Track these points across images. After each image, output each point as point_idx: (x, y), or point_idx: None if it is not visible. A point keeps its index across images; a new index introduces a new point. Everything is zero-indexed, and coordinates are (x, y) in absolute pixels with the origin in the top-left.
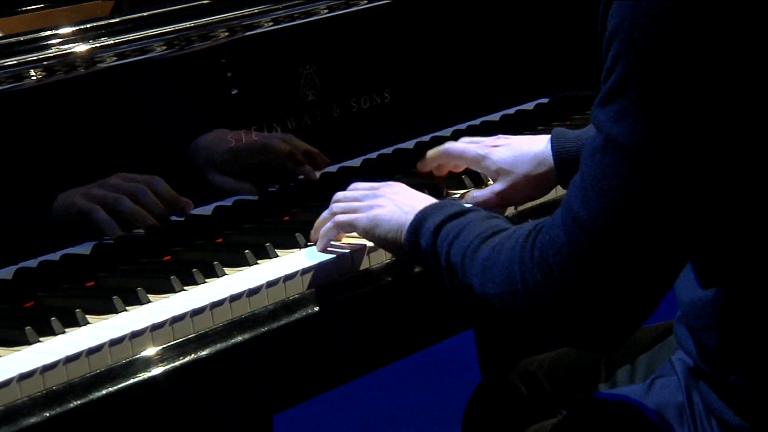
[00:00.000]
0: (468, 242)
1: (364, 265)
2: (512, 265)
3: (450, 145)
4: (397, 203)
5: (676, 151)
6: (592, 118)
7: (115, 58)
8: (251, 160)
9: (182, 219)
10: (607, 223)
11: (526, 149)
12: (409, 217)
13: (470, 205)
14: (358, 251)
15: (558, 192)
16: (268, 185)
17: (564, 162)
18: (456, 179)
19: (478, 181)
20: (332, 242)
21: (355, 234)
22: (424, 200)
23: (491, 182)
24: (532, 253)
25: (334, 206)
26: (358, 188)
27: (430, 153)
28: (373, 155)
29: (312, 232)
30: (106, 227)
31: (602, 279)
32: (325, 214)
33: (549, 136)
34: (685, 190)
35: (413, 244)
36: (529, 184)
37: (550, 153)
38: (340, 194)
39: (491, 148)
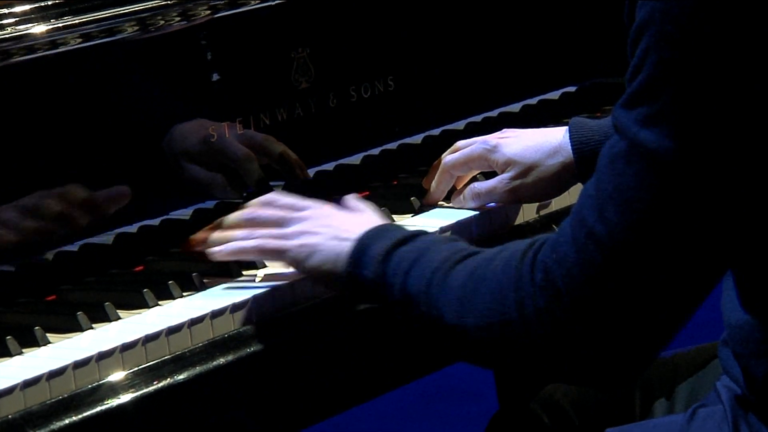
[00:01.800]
0: (432, 269)
1: None
2: (503, 291)
3: (448, 159)
4: (331, 228)
5: (712, 160)
6: (614, 121)
7: (79, 40)
8: (226, 161)
9: (156, 224)
10: (628, 240)
11: (540, 140)
12: (346, 245)
13: (417, 230)
14: None
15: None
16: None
17: (585, 155)
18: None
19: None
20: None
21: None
22: (363, 223)
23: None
24: (531, 275)
25: (255, 232)
26: (279, 203)
27: (434, 182)
28: (375, 151)
29: (211, 241)
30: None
31: (619, 304)
32: (240, 233)
33: (565, 127)
34: (720, 204)
35: (354, 276)
36: (542, 177)
37: (568, 144)
38: (255, 212)
39: (499, 140)
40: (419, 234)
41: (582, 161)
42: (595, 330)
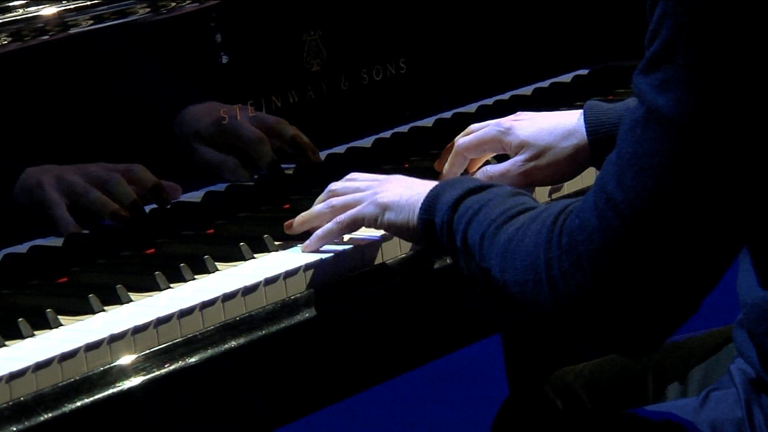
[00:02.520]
0: (489, 221)
1: (377, 260)
2: (537, 251)
3: (461, 142)
4: (405, 185)
5: (729, 125)
6: (634, 87)
7: (90, 22)
8: (238, 144)
9: (168, 207)
10: (646, 206)
11: (554, 123)
12: (422, 196)
13: (492, 182)
14: (370, 245)
15: (593, 175)
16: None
17: (599, 138)
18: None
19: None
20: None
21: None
22: (433, 183)
23: None
24: (560, 238)
25: (333, 200)
26: (358, 179)
27: (447, 164)
28: (387, 134)
29: (297, 222)
30: (62, 226)
31: (639, 271)
32: (320, 207)
33: (580, 111)
34: (738, 170)
35: (427, 222)
36: (556, 160)
37: (582, 127)
38: (336, 185)
39: (513, 122)
40: (489, 186)
41: (596, 144)
42: (615, 296)
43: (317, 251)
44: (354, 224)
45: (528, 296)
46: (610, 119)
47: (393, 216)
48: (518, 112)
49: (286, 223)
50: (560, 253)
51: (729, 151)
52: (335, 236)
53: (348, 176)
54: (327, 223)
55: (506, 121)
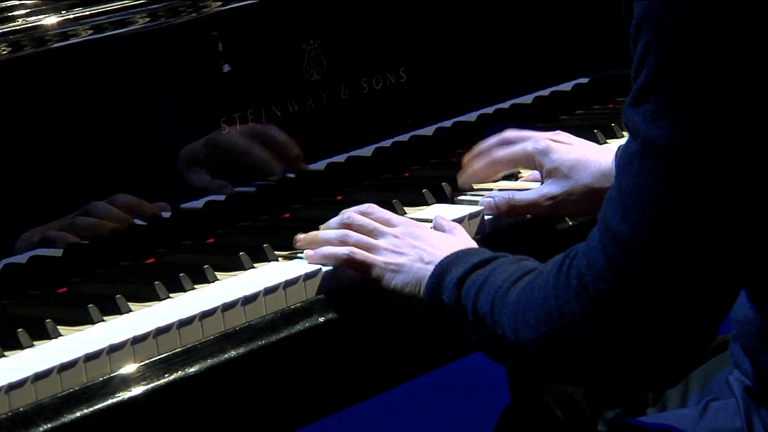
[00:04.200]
0: (495, 288)
1: None
2: (547, 301)
3: (498, 154)
4: (418, 250)
5: (722, 151)
6: (624, 120)
7: (90, 32)
8: (230, 157)
9: (167, 216)
10: (651, 239)
11: (591, 158)
12: (429, 270)
13: (496, 253)
14: None
15: None
16: (264, 176)
17: None
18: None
19: (509, 175)
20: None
21: None
22: (448, 246)
23: (523, 174)
24: (567, 281)
25: (349, 235)
26: (375, 215)
27: (477, 167)
28: (387, 143)
29: (306, 241)
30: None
31: (651, 304)
32: (333, 235)
33: (615, 150)
34: (736, 194)
35: (434, 300)
36: (586, 197)
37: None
38: (352, 216)
39: (551, 143)
40: (493, 258)
41: None
42: (630, 331)
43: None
44: (361, 267)
45: (545, 350)
46: None
47: (400, 285)
48: (559, 132)
49: (296, 236)
50: (570, 298)
51: (727, 175)
52: (340, 264)
53: (365, 207)
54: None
55: (544, 140)
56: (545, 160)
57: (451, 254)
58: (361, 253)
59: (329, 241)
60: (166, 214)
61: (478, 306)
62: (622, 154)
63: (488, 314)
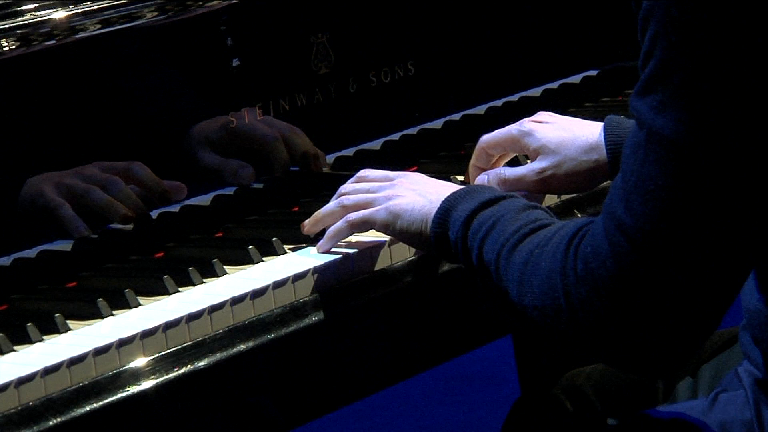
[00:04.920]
0: (504, 239)
1: (385, 263)
2: (553, 276)
3: (484, 137)
4: (418, 192)
5: (727, 143)
6: (631, 110)
7: (98, 26)
8: (246, 146)
9: (176, 210)
10: (655, 229)
11: (577, 132)
12: (435, 206)
13: (505, 192)
14: (378, 247)
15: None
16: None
17: (618, 154)
18: None
19: (514, 163)
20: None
21: (369, 232)
22: (450, 187)
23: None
24: (575, 263)
25: (344, 199)
26: (369, 177)
27: (472, 160)
28: (395, 137)
29: (310, 223)
30: (71, 227)
31: (654, 293)
32: (331, 206)
33: (602, 124)
34: (741, 186)
35: (440, 236)
36: (574, 172)
37: (603, 143)
38: (347, 186)
39: (535, 124)
40: (502, 197)
41: (615, 160)
42: (633, 319)
43: (328, 252)
44: (364, 225)
45: (549, 321)
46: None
47: (405, 225)
48: (541, 113)
49: (301, 224)
50: (576, 281)
51: (732, 167)
52: (345, 235)
53: (359, 174)
54: (338, 221)
55: (528, 123)
56: (530, 140)
57: (459, 190)
58: (357, 214)
59: (330, 213)
60: (175, 208)
61: (484, 252)
62: (627, 143)
63: (493, 264)
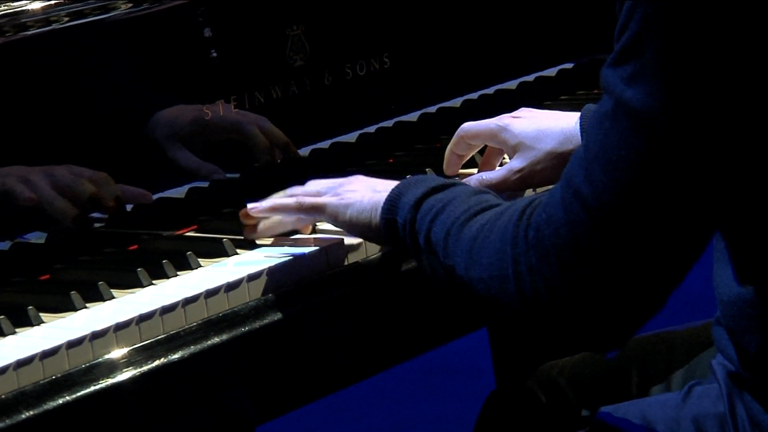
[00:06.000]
0: (453, 219)
1: (360, 255)
2: (504, 246)
3: (462, 128)
4: (369, 186)
5: (697, 118)
6: (602, 80)
7: (73, 18)
8: (222, 138)
9: (151, 202)
10: (613, 200)
11: (553, 124)
12: (384, 196)
13: (454, 180)
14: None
15: None
16: (248, 163)
17: None
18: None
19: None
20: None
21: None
22: (399, 182)
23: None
24: (526, 233)
25: (296, 189)
26: (320, 183)
27: (448, 148)
28: (371, 129)
29: (257, 211)
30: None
31: (606, 265)
32: (280, 194)
33: (578, 113)
34: (706, 164)
35: (389, 222)
36: (552, 163)
37: (579, 131)
38: (297, 188)
39: (512, 119)
40: (452, 184)
41: None
42: (582, 290)
43: (300, 246)
44: (314, 210)
45: (493, 292)
46: None
47: (355, 215)
48: (521, 109)
49: (241, 212)
50: (527, 248)
51: (697, 144)
52: (290, 212)
53: (309, 183)
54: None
55: (506, 118)
56: (508, 135)
57: (409, 178)
58: (311, 198)
59: (279, 203)
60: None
61: (432, 233)
62: (593, 114)
63: (441, 243)
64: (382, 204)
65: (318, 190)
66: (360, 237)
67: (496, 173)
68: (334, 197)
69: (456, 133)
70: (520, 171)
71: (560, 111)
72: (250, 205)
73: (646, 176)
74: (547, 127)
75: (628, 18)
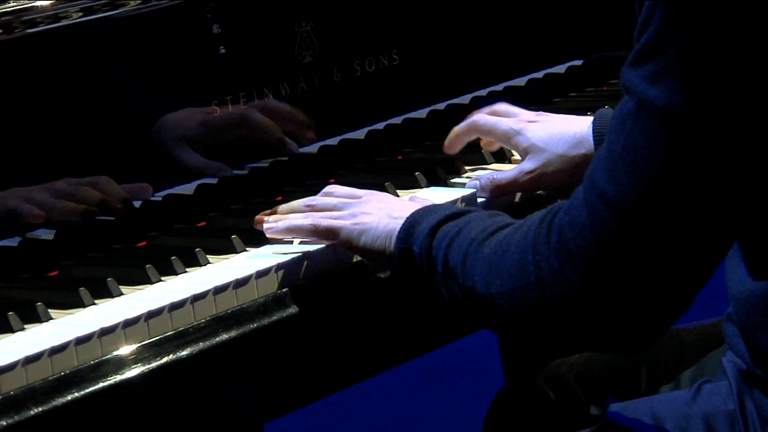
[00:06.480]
0: (469, 240)
1: None
2: (524, 255)
3: (478, 117)
4: (384, 210)
5: (721, 116)
6: (623, 80)
7: (81, 14)
8: (229, 135)
9: (159, 199)
10: (638, 200)
11: (565, 129)
12: (399, 223)
13: (468, 208)
14: None
15: None
16: (257, 159)
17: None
18: (475, 153)
19: (501, 156)
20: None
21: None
22: (416, 205)
23: (516, 158)
24: (548, 237)
25: (313, 201)
26: (336, 193)
27: (457, 129)
28: (380, 126)
29: (273, 220)
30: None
31: (631, 267)
32: (297, 204)
33: (592, 117)
34: (731, 162)
35: (404, 251)
36: (562, 167)
37: (591, 135)
38: (315, 198)
39: (526, 123)
40: (466, 212)
41: None
42: (607, 293)
43: (309, 243)
44: (328, 233)
45: (516, 304)
46: None
47: (369, 242)
48: (539, 112)
49: (256, 217)
50: (549, 253)
51: (722, 142)
52: (305, 235)
53: (326, 189)
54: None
55: (521, 122)
56: (521, 139)
57: (423, 207)
58: (326, 220)
59: (292, 211)
60: (158, 197)
61: (450, 257)
62: (615, 114)
63: (459, 266)
64: (396, 233)
65: (334, 204)
66: (373, 262)
67: (507, 173)
68: (349, 220)
69: (469, 119)
70: (530, 173)
71: (566, 108)
72: (265, 226)
73: (672, 175)
74: (559, 131)
75: (649, 16)
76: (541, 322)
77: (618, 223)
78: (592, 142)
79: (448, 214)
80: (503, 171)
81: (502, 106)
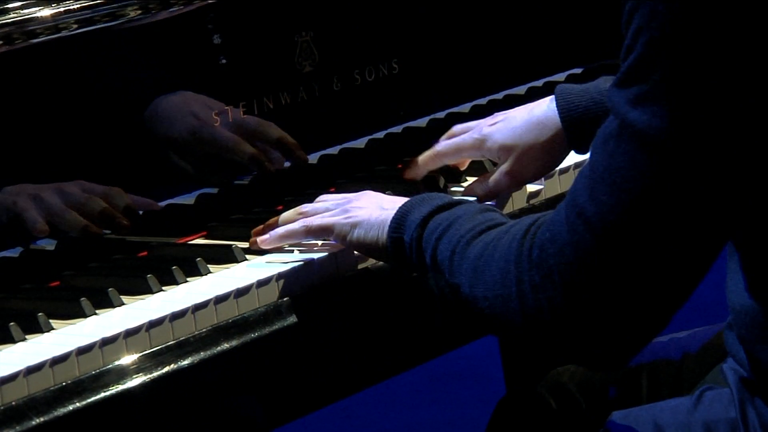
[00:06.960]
0: (458, 237)
1: (369, 261)
2: (508, 265)
3: (439, 145)
4: (376, 203)
5: (702, 141)
6: (608, 101)
7: (82, 25)
8: (214, 150)
9: (160, 209)
10: (617, 221)
11: (526, 117)
12: (391, 214)
13: (460, 198)
14: None
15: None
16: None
17: (573, 121)
18: (476, 162)
19: (482, 169)
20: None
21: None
22: (406, 198)
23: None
24: (530, 252)
25: (304, 207)
26: (329, 199)
27: (421, 158)
28: (380, 135)
29: (262, 233)
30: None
31: (609, 285)
32: (289, 214)
33: (549, 98)
34: (710, 187)
35: (396, 240)
36: (537, 155)
37: (555, 114)
38: (306, 205)
39: (488, 128)
40: (458, 202)
41: (570, 127)
42: (585, 310)
43: (272, 248)
44: (322, 231)
45: (497, 311)
46: (582, 101)
47: (362, 234)
48: (495, 114)
49: (254, 230)
50: (530, 267)
51: (702, 167)
52: (299, 237)
53: (318, 198)
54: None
55: (482, 129)
56: (490, 144)
57: (415, 197)
58: (318, 219)
59: (286, 221)
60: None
61: (438, 251)
62: (599, 132)
63: (447, 261)
64: (389, 222)
65: (327, 206)
66: (368, 255)
67: (489, 181)
68: (342, 215)
69: (432, 150)
70: (508, 172)
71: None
72: (259, 239)
73: (651, 197)
74: (521, 122)
75: (634, 40)
76: (519, 331)
77: (597, 243)
78: (556, 119)
79: (440, 204)
80: (484, 181)
81: (458, 127)
